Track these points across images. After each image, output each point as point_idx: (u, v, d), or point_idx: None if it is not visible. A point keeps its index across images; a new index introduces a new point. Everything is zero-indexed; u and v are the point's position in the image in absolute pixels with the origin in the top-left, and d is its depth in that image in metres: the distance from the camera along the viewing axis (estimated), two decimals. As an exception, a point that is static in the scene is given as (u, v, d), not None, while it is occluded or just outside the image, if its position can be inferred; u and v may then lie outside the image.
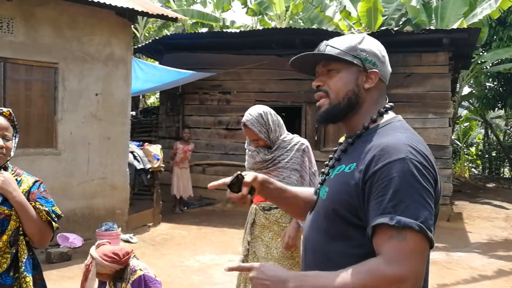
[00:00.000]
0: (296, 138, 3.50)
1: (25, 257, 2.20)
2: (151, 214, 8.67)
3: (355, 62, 1.56)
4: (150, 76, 9.61)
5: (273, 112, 3.47)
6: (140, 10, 7.32)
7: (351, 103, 1.58)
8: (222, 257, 6.70)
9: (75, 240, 6.88)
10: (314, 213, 1.63)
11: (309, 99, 9.91)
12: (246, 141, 3.65)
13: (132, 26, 18.90)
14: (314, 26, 13.59)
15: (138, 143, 8.77)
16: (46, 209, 2.27)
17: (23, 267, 2.18)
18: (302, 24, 19.82)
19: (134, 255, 3.59)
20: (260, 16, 21.47)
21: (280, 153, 3.44)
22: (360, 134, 1.57)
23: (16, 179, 2.25)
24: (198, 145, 10.74)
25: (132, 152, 8.22)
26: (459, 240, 8.15)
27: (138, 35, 18.95)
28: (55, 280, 5.65)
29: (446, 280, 5.93)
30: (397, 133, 1.48)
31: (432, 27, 11.97)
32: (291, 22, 19.91)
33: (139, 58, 14.46)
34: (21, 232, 2.21)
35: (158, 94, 13.28)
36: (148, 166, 8.32)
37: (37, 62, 6.86)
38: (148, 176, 8.50)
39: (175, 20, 8.07)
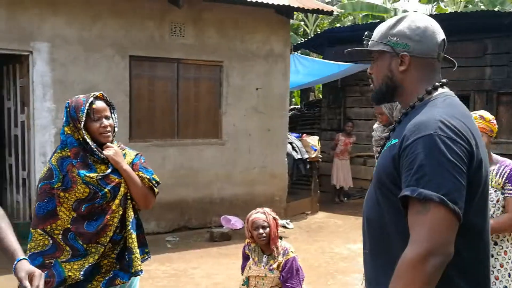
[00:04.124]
0: None
1: (132, 218, 2.63)
2: (309, 203, 8.99)
3: (385, 49, 1.65)
4: (310, 70, 9.92)
5: None
6: (296, 6, 7.65)
7: (389, 87, 1.69)
8: (373, 248, 6.70)
9: (236, 222, 7.52)
10: (369, 188, 1.72)
11: (477, 87, 9.26)
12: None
13: (302, 22, 19.46)
14: (496, 9, 12.58)
15: (297, 135, 9.15)
16: (148, 176, 2.68)
17: (130, 226, 2.61)
18: (483, 7, 18.38)
19: (282, 238, 3.87)
20: (435, 3, 20.38)
21: None
22: (406, 112, 1.65)
23: (122, 153, 2.68)
24: (359, 136, 10.74)
25: (290, 143, 8.64)
26: None
27: (308, 31, 19.47)
28: (214, 256, 6.30)
29: None
30: (433, 110, 1.53)
31: None
32: (470, 6, 18.55)
33: (307, 54, 14.90)
34: (129, 197, 2.63)
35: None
36: (306, 156, 8.65)
37: (204, 61, 7.64)
38: (307, 166, 8.82)
39: (330, 14, 8.24)
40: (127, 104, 7.05)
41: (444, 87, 1.66)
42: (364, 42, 1.75)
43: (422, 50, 1.64)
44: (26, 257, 1.94)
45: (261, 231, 3.64)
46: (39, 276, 1.86)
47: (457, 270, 1.48)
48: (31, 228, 2.61)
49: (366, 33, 1.77)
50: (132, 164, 2.69)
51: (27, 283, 1.81)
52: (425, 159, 1.42)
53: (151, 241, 6.62)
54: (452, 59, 1.76)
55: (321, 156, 9.18)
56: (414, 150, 1.45)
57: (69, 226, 2.56)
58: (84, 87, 6.42)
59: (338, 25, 20.44)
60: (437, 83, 1.65)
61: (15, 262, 1.91)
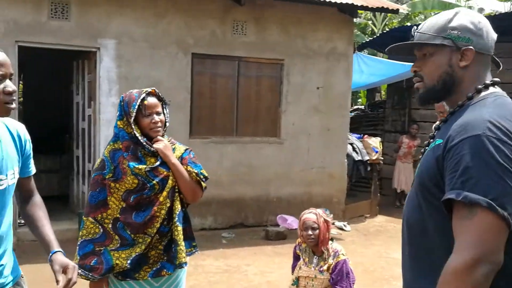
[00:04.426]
0: None
1: (178, 211, 2.65)
2: (368, 206, 8.79)
3: (445, 43, 1.55)
4: (375, 70, 9.69)
5: None
6: (359, 4, 7.48)
7: (446, 84, 1.58)
8: (433, 255, 6.46)
9: (292, 222, 7.46)
10: (411, 190, 1.65)
11: (556, 90, 8.67)
12: None
13: (370, 21, 19.07)
14: None
15: (358, 136, 8.97)
16: (196, 171, 2.69)
17: (176, 218, 2.63)
18: None
19: (333, 240, 3.80)
20: (514, 0, 19.35)
21: None
22: (453, 111, 1.56)
23: (171, 147, 2.71)
24: (424, 139, 10.36)
25: (351, 144, 8.47)
26: None
27: (376, 30, 19.08)
28: (269, 254, 6.29)
29: None
30: (482, 109, 1.44)
31: None
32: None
33: (374, 54, 14.60)
34: (177, 190, 2.66)
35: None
36: (366, 158, 8.46)
37: (265, 59, 7.65)
38: (368, 168, 8.63)
39: (395, 12, 8.01)
40: (188, 101, 7.18)
41: (496, 86, 1.56)
42: (412, 38, 1.66)
43: (483, 46, 1.56)
44: (60, 250, 1.98)
45: (310, 232, 3.58)
46: (73, 269, 1.90)
47: (507, 280, 1.39)
48: (83, 216, 2.70)
49: (413, 27, 1.69)
50: (181, 158, 2.72)
51: (60, 276, 1.85)
52: (472, 161, 1.34)
53: (208, 236, 6.78)
54: (497, 60, 1.66)
55: (382, 158, 8.94)
56: (460, 151, 1.37)
57: (118, 215, 2.62)
58: (148, 83, 6.58)
59: (408, 24, 19.82)
60: (488, 82, 1.55)
61: (50, 254, 1.95)
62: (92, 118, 6.89)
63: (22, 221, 6.48)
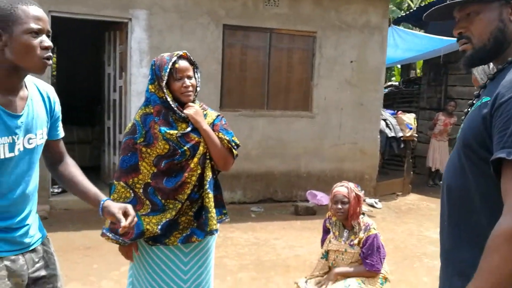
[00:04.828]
0: None
1: (209, 178, 2.61)
2: (400, 183, 8.62)
3: None
4: (411, 45, 9.39)
5: None
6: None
7: (499, 41, 1.46)
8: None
9: (322, 198, 7.38)
10: (452, 153, 1.56)
11: None
12: None
13: (406, -4, 18.40)
14: None
15: (392, 112, 8.76)
16: (227, 138, 2.63)
17: (207, 185, 2.59)
18: None
19: (365, 214, 3.71)
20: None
21: None
22: (502, 68, 1.44)
23: (203, 113, 2.64)
24: (461, 117, 10.07)
25: (384, 120, 8.28)
26: None
27: (412, 5, 18.51)
28: (297, 229, 6.23)
29: None
30: None
31: None
32: None
33: (409, 29, 14.19)
34: (208, 157, 2.61)
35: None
36: (400, 134, 8.26)
37: (298, 31, 7.48)
38: (401, 146, 8.43)
39: (435, -18, 7.69)
40: (219, 73, 7.11)
41: None
42: None
43: None
44: (109, 198, 2.02)
45: (339, 206, 3.50)
46: (132, 208, 1.96)
47: None
48: (114, 181, 2.67)
49: None
50: (212, 125, 2.66)
51: (121, 216, 1.91)
52: None
53: (237, 210, 6.75)
54: None
55: (416, 135, 8.72)
56: (511, 108, 1.27)
57: (149, 180, 2.59)
58: (179, 54, 6.53)
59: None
60: None
61: (101, 202, 1.98)
62: (123, 89, 6.89)
63: (55, 190, 6.58)
